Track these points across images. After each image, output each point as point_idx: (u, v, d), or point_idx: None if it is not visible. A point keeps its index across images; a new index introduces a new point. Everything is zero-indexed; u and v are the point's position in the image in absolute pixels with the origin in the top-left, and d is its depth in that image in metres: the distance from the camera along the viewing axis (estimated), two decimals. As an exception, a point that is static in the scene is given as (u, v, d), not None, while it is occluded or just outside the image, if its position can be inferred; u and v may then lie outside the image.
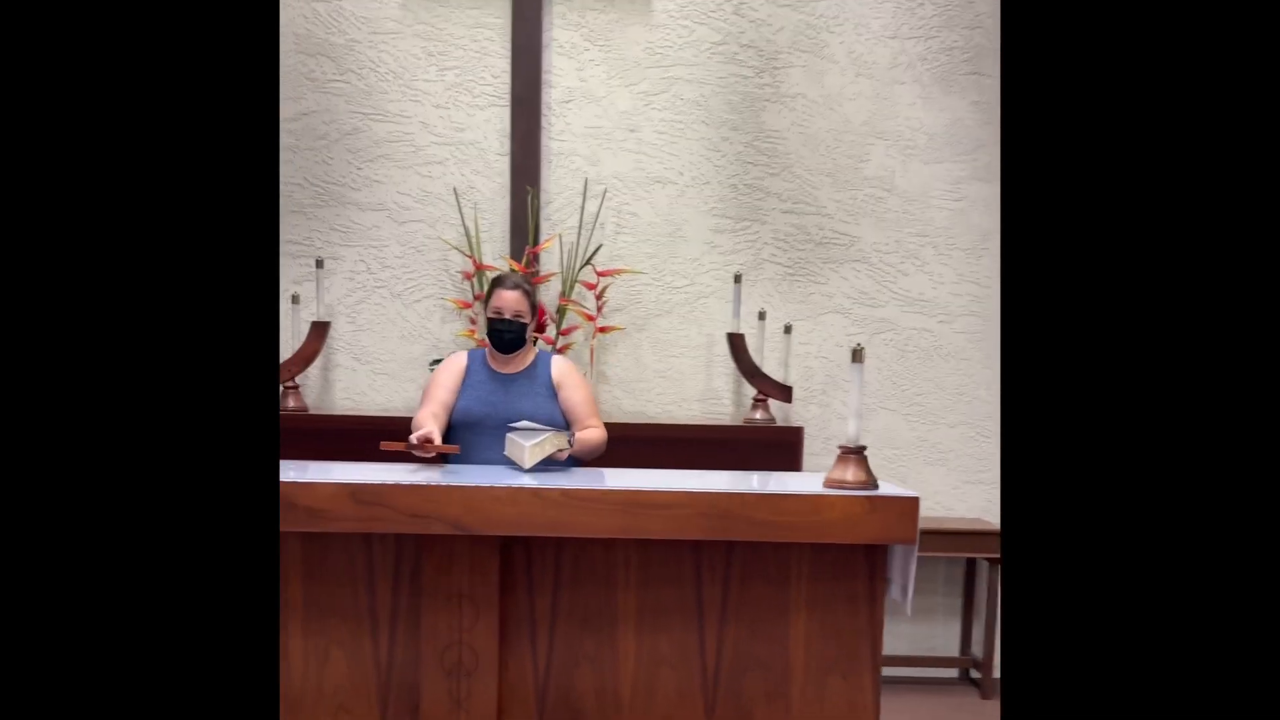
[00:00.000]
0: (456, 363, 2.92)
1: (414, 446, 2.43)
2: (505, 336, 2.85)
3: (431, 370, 3.69)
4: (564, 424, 2.86)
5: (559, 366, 2.95)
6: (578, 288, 3.74)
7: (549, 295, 3.77)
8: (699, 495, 2.24)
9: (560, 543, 2.37)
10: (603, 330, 3.70)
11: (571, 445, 2.57)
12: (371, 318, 3.78)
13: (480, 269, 3.65)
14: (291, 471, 2.49)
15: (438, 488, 2.23)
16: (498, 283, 2.87)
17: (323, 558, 2.37)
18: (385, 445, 2.45)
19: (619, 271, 3.70)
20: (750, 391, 3.79)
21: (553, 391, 2.88)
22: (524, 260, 3.64)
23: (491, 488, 2.24)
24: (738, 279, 3.69)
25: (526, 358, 2.93)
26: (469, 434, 2.82)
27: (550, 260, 3.78)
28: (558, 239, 3.75)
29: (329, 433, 3.52)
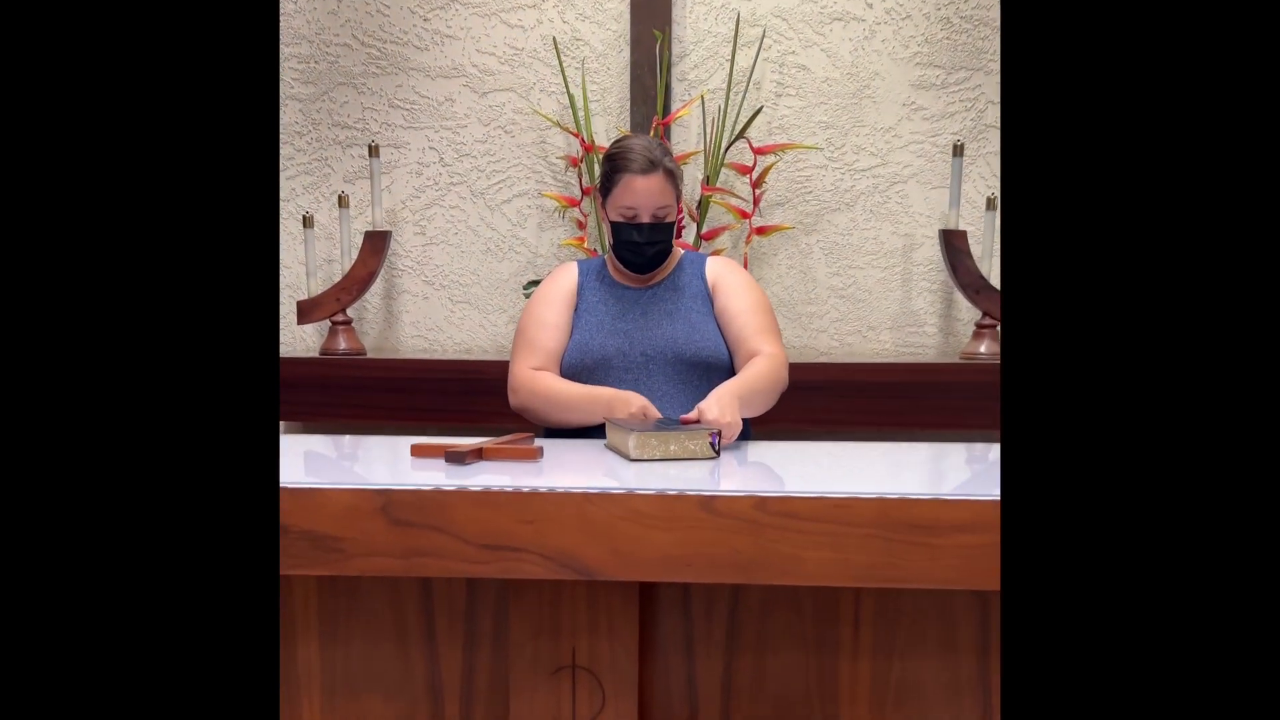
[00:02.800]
0: (563, 282, 1.93)
1: (457, 454, 1.43)
2: (648, 251, 1.85)
3: (528, 296, 2.72)
4: (727, 353, 1.85)
5: (715, 266, 1.94)
6: (724, 172, 2.69)
7: (685, 184, 2.73)
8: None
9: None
10: (760, 231, 2.65)
11: (717, 451, 1.52)
12: (446, 225, 2.82)
13: (590, 151, 2.63)
14: (299, 465, 1.54)
15: (534, 496, 1.24)
16: (621, 162, 1.85)
17: (350, 603, 1.43)
18: (417, 449, 1.49)
19: (783, 147, 2.62)
20: (971, 315, 2.70)
21: (709, 304, 1.88)
22: (651, 134, 2.60)
23: (629, 495, 1.24)
24: (958, 151, 2.58)
25: (668, 264, 1.93)
26: (592, 384, 1.84)
27: (685, 136, 2.73)
28: (698, 104, 2.69)
29: (394, 384, 2.59)
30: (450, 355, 2.76)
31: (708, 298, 1.90)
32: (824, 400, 2.56)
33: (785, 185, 2.74)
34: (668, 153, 1.90)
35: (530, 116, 2.76)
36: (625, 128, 2.69)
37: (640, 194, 1.83)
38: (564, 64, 2.70)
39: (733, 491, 1.23)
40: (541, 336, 1.87)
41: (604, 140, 2.71)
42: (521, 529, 1.24)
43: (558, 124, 2.70)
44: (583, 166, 2.65)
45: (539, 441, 1.61)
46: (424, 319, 2.84)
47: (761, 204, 2.68)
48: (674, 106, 2.68)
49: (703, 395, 1.79)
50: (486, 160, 2.79)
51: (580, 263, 2.00)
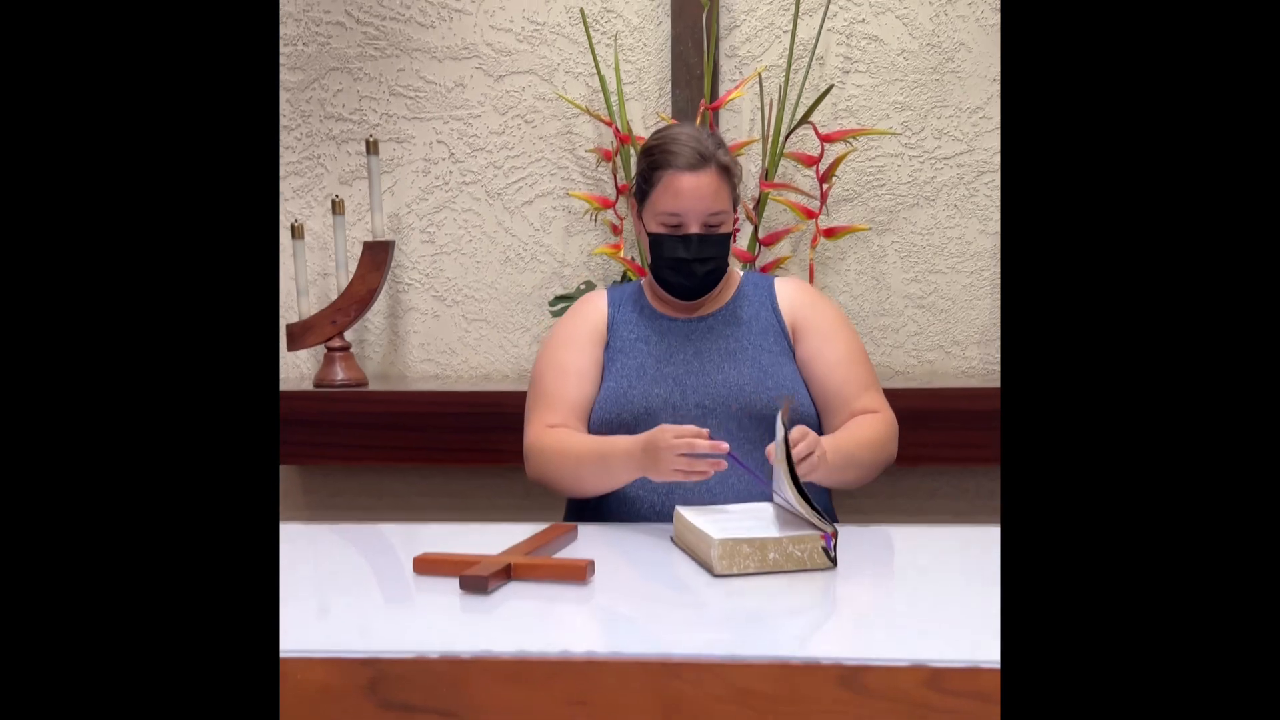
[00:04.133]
0: (587, 316, 1.56)
1: (476, 579, 1.03)
2: (698, 271, 1.47)
3: (555, 314, 2.33)
4: (812, 405, 1.47)
5: (790, 293, 1.56)
6: (783, 164, 2.28)
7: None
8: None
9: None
10: (829, 234, 2.24)
11: (834, 559, 1.11)
12: (458, 232, 2.43)
13: (626, 142, 2.23)
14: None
15: (589, 665, 0.85)
16: (662, 156, 1.48)
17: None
18: (423, 563, 1.10)
19: (855, 133, 2.21)
20: (1078, 326, 2.28)
21: (786, 342, 1.49)
22: (698, 123, 2.20)
23: (731, 665, 0.84)
24: (1068, 135, 2.16)
25: (724, 288, 1.54)
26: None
27: (737, 123, 2.33)
28: (753, 84, 2.28)
29: (401, 420, 2.22)
30: (466, 383, 2.37)
31: (782, 333, 1.51)
32: (900, 430, 2.16)
33: (853, 178, 2.33)
34: (722, 145, 1.53)
35: (555, 103, 2.37)
36: (666, 114, 2.29)
37: (687, 196, 1.45)
38: (593, 40, 2.30)
39: (891, 660, 0.83)
40: (561, 387, 1.48)
41: (641, 129, 2.30)
42: (572, 714, 0.85)
43: (587, 111, 2.30)
44: (617, 160, 2.25)
45: (582, 533, 1.22)
46: (434, 341, 2.46)
47: (828, 200, 2.27)
48: (723, 88, 2.27)
49: None
50: (504, 155, 2.40)
51: (610, 290, 1.62)
